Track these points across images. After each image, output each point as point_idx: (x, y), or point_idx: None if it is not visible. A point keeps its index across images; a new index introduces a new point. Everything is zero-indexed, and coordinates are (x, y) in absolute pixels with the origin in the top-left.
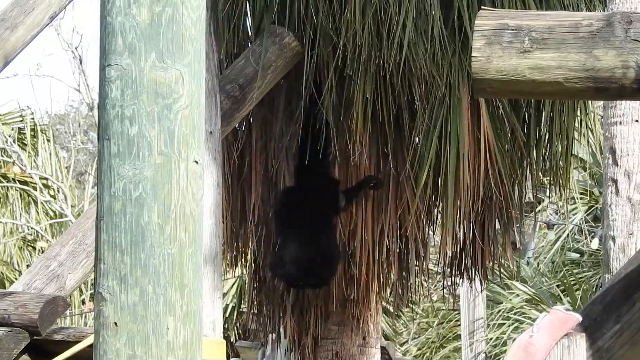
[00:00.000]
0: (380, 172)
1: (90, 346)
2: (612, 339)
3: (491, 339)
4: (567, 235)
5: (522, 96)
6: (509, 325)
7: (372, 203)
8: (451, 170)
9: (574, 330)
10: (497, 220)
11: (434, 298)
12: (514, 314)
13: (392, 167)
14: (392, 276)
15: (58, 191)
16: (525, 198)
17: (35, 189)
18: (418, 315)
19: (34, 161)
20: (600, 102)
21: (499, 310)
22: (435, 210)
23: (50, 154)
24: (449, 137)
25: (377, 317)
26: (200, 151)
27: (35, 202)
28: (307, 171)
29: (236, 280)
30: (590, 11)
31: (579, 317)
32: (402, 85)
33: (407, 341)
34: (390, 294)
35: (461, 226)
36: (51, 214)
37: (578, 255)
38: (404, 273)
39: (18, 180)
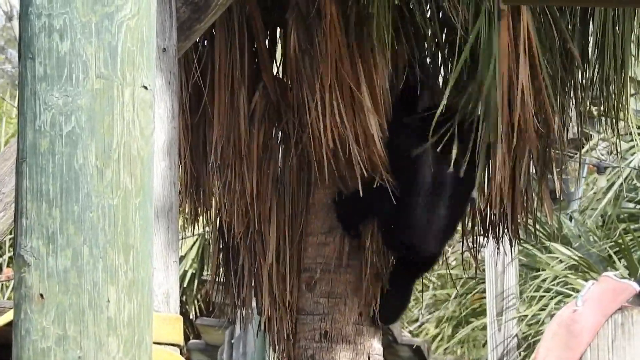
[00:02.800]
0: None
1: (10, 324)
2: None
3: (525, 316)
4: (623, 181)
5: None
6: (549, 299)
7: None
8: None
9: (630, 303)
10: (531, 161)
11: (452, 263)
12: (555, 284)
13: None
14: None
15: None
16: (568, 133)
17: None
18: (432, 285)
19: None
20: None
21: (535, 280)
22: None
23: None
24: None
25: (377, 286)
26: (151, 74)
27: None
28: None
29: (197, 240)
30: None
31: (636, 287)
32: None
33: (417, 318)
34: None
35: (486, 167)
36: None
37: (637, 206)
38: None
39: None
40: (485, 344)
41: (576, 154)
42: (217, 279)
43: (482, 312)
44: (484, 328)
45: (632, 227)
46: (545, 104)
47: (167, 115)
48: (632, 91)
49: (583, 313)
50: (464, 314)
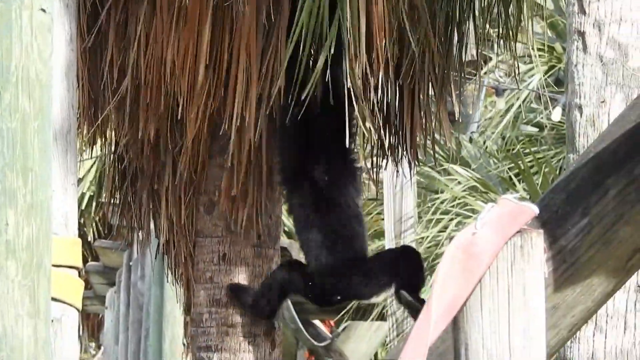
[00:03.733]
0: None
1: None
2: (578, 236)
3: (425, 238)
4: (522, 103)
5: None
6: (448, 221)
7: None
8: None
9: (529, 225)
10: (430, 82)
11: None
12: (454, 205)
13: None
14: None
15: None
16: (467, 55)
17: None
18: None
19: None
20: None
21: (434, 202)
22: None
23: None
24: None
25: (275, 208)
26: None
27: None
28: None
29: (95, 162)
30: None
31: (535, 209)
32: None
33: None
34: None
35: (380, 88)
36: None
37: (536, 129)
38: None
39: None
40: None
41: (475, 76)
42: (114, 201)
43: (381, 234)
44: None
45: (531, 149)
46: (439, 26)
47: (65, 37)
48: (531, 13)
49: (482, 236)
50: None
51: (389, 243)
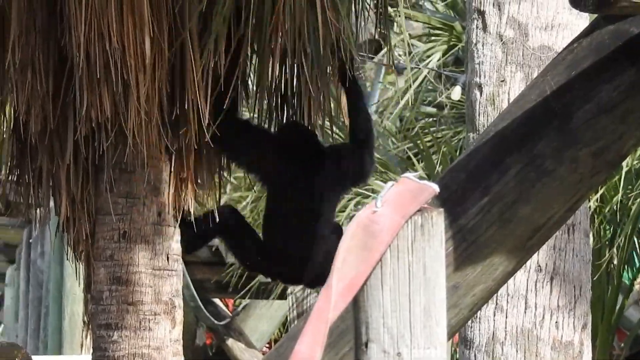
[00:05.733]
0: None
1: None
2: (478, 215)
3: None
4: (421, 83)
5: None
6: (347, 200)
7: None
8: None
9: (429, 204)
10: (327, 61)
11: None
12: None
13: None
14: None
15: None
16: (365, 34)
17: None
18: (230, 185)
19: None
20: None
21: None
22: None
23: None
24: None
25: (175, 185)
26: None
27: None
28: None
29: None
30: None
31: (435, 188)
32: None
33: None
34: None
35: (277, 66)
36: None
37: (435, 109)
38: None
39: None
40: None
41: (374, 56)
42: (12, 178)
43: None
44: None
45: (431, 129)
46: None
47: None
48: None
49: (382, 214)
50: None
51: None
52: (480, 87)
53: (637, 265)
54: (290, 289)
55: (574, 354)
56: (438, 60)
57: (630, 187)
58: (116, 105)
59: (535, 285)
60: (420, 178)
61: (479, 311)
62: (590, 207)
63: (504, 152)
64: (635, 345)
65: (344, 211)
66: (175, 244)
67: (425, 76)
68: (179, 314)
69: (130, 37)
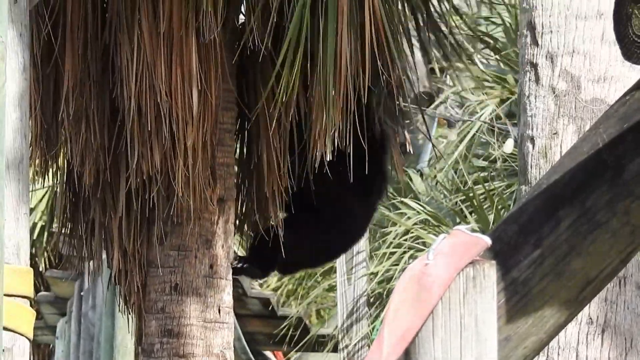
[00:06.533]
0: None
1: None
2: (530, 268)
3: (375, 273)
4: (474, 135)
5: None
6: (400, 255)
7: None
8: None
9: (481, 257)
10: (380, 115)
11: None
12: (406, 239)
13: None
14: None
15: None
16: (419, 86)
17: None
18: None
19: None
20: None
21: (385, 237)
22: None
23: None
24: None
25: (228, 239)
26: (2, 26)
27: None
28: None
29: (47, 192)
30: None
31: (487, 241)
32: None
33: None
34: (243, 209)
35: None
36: None
37: (487, 162)
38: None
39: None
40: (335, 305)
41: (427, 107)
42: (64, 231)
43: (333, 270)
44: (333, 288)
45: (484, 182)
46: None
47: (18, 67)
48: (482, 45)
49: (434, 266)
50: (311, 275)
51: (340, 279)
52: (532, 139)
53: None
54: (342, 342)
55: None
56: (490, 113)
57: None
58: (166, 157)
59: (587, 337)
60: (473, 231)
61: None
62: None
63: (556, 204)
64: None
65: (396, 265)
66: (226, 296)
67: (478, 129)
68: None
69: (179, 89)
